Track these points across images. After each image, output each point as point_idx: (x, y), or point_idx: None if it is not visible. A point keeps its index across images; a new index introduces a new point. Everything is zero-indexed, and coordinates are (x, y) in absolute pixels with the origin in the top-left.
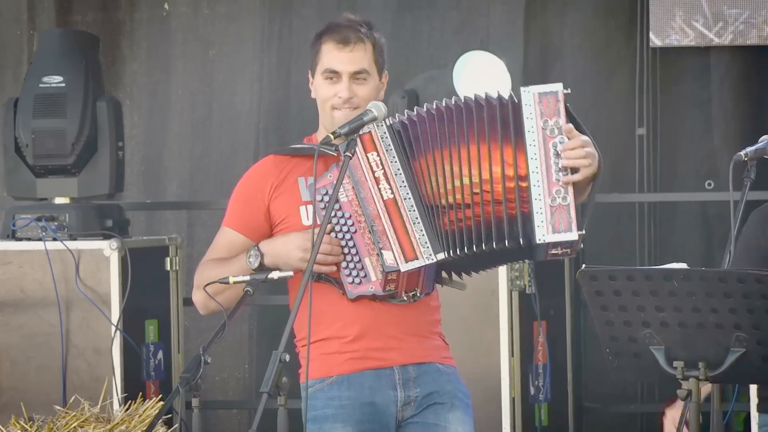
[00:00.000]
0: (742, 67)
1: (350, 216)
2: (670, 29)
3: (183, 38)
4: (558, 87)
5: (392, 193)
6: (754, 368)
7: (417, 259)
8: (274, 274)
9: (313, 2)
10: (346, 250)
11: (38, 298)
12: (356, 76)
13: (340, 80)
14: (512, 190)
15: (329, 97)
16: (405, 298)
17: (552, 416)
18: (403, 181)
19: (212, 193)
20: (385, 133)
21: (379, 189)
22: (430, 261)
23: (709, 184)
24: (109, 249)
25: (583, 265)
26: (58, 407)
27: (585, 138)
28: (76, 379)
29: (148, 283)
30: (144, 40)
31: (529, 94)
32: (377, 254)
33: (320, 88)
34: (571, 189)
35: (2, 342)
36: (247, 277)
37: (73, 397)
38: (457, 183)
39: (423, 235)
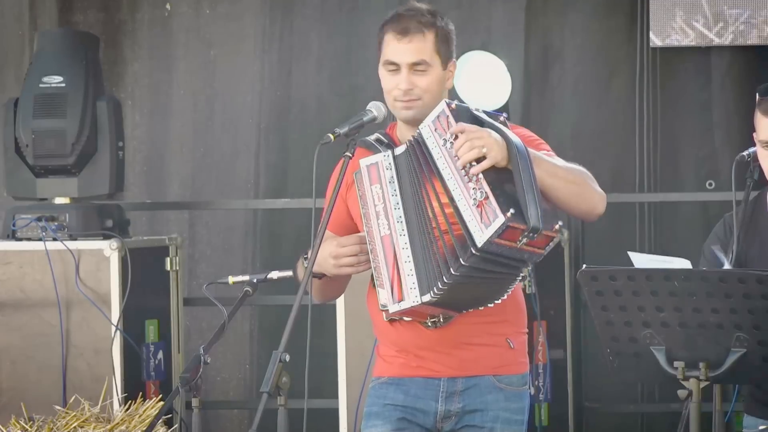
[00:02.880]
0: (742, 67)
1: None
2: (671, 29)
3: (184, 38)
4: (442, 105)
5: (389, 229)
6: (755, 368)
7: (404, 300)
8: (273, 274)
9: (314, 2)
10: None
11: (38, 298)
12: (415, 67)
13: (400, 71)
14: (452, 215)
15: (390, 88)
16: (429, 324)
17: (552, 416)
18: (401, 216)
19: (214, 193)
20: (391, 164)
21: (378, 224)
22: (416, 303)
23: (710, 184)
24: (109, 249)
25: (584, 266)
26: (58, 407)
27: (471, 127)
28: (76, 379)
29: (148, 283)
30: (145, 40)
31: (426, 128)
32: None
33: (383, 80)
34: (483, 182)
35: (2, 342)
36: (246, 277)
37: (73, 397)
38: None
39: (412, 274)
